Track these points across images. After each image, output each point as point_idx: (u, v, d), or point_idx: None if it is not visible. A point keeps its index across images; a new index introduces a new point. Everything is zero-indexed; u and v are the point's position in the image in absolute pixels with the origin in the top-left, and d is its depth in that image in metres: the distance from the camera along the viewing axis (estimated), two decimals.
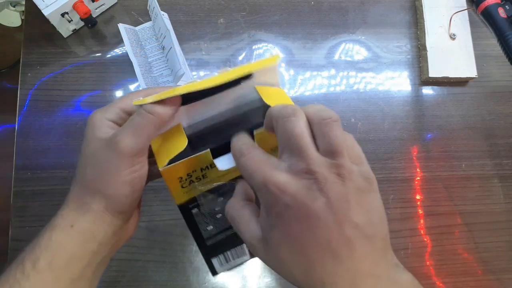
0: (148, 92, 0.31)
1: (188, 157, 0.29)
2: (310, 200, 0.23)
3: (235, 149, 0.28)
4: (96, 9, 0.50)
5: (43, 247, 0.28)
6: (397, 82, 0.54)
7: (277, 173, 0.24)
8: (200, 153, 0.29)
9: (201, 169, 0.30)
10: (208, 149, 0.29)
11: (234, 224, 0.27)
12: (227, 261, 0.34)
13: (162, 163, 0.29)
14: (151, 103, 0.28)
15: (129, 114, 0.30)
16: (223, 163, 0.30)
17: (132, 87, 0.50)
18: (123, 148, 0.28)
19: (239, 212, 0.27)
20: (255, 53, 0.53)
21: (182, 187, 0.30)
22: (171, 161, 0.29)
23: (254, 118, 0.32)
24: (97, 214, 0.29)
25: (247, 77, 0.30)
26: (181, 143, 0.29)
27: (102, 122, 0.30)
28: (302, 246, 0.23)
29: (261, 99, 0.30)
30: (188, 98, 0.29)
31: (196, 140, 0.31)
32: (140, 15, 0.52)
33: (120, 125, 0.30)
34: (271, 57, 0.31)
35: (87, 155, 0.29)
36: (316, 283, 0.23)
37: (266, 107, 0.29)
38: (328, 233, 0.23)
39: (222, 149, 0.30)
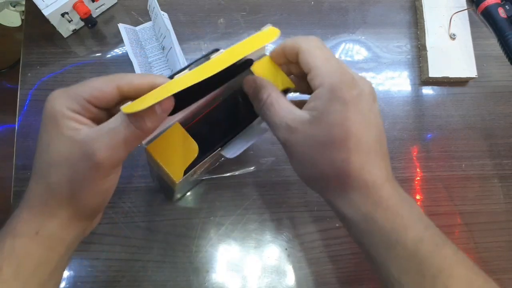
0: (131, 79, 0.26)
1: (201, 162, 0.29)
2: (372, 100, 0.28)
3: (304, 40, 0.29)
4: (96, 9, 0.50)
5: (6, 255, 0.25)
6: (397, 82, 0.54)
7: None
8: (213, 153, 0.30)
9: None
10: (219, 148, 0.30)
11: (270, 111, 0.29)
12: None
13: (177, 175, 0.28)
14: (142, 110, 0.23)
15: (96, 106, 0.26)
16: (230, 152, 0.31)
17: None
18: (101, 160, 0.24)
19: (279, 99, 0.29)
20: None
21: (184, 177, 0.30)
22: (186, 170, 0.29)
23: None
24: (64, 220, 0.26)
25: (245, 65, 0.30)
26: (192, 150, 0.28)
27: (66, 114, 0.25)
28: (358, 131, 0.26)
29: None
30: (181, 102, 0.27)
31: (193, 131, 0.30)
32: (140, 15, 0.52)
33: (86, 117, 0.26)
34: (268, 30, 0.29)
35: (52, 153, 0.25)
36: (356, 171, 0.26)
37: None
38: (377, 132, 0.28)
39: (220, 136, 0.31)
